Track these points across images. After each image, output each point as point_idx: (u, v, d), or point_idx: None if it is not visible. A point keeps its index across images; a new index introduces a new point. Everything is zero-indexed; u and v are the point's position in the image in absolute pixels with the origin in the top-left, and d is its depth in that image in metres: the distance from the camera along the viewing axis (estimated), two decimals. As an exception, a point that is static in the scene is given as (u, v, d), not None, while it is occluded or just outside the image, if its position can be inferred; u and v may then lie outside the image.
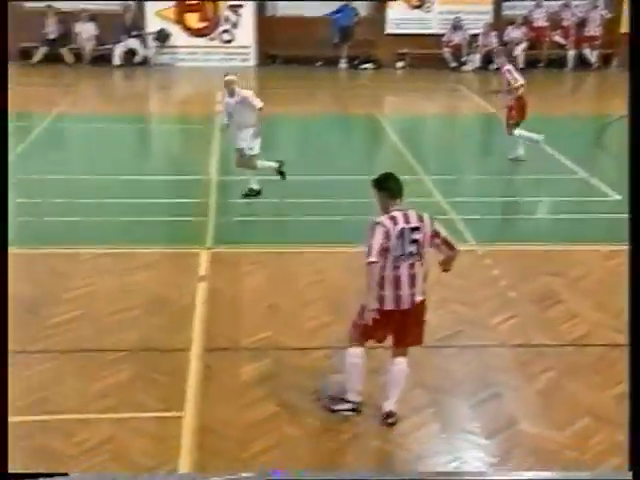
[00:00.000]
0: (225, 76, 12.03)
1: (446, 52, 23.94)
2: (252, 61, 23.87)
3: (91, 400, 6.89)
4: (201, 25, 23.76)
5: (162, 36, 23.26)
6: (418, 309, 6.45)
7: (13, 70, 21.75)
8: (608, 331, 8.19)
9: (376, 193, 6.42)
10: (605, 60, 24.24)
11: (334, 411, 6.71)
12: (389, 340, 6.64)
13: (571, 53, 24.09)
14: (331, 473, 5.12)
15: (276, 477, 5.23)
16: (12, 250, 9.77)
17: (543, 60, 24.11)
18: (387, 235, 6.18)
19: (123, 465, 6.05)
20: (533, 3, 24.27)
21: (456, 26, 23.81)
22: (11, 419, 6.53)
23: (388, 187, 6.37)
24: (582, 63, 24.17)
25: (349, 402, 6.69)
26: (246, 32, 23.71)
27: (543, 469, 5.72)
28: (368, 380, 6.88)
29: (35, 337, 7.78)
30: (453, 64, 23.96)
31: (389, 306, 6.33)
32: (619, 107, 14.51)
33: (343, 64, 23.94)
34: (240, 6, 23.64)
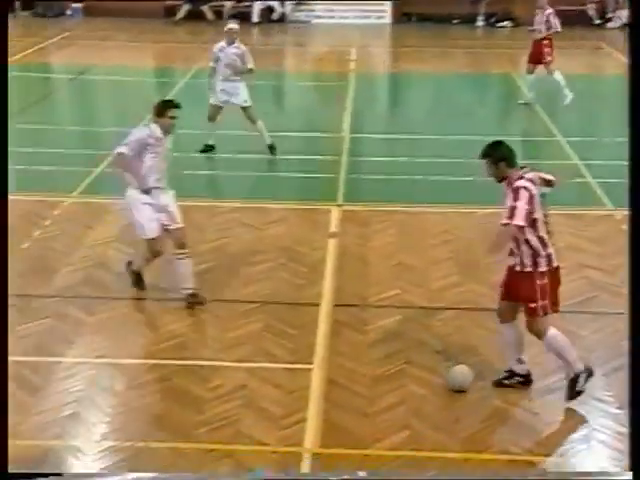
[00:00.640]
0: (228, 24, 12.20)
1: (590, 8, 22.99)
2: (387, 19, 23.69)
3: (225, 348, 7.17)
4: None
5: (299, -6, 23.41)
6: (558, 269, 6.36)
7: (157, 27, 22.57)
8: None
9: (491, 164, 6.24)
10: None
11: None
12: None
13: None
14: (331, 473, 5.12)
15: (277, 477, 5.29)
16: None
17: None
18: (531, 199, 6.07)
19: (254, 412, 6.29)
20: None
21: (601, -19, 22.88)
22: (150, 361, 6.94)
23: (506, 156, 6.22)
24: None
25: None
26: (382, -11, 23.54)
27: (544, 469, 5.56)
28: (487, 343, 6.86)
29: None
30: (597, 21, 22.99)
31: (544, 267, 6.22)
32: None
33: (480, 22, 23.40)
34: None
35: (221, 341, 7.27)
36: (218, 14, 23.60)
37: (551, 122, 13.61)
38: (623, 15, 22.89)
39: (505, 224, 6.08)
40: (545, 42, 14.80)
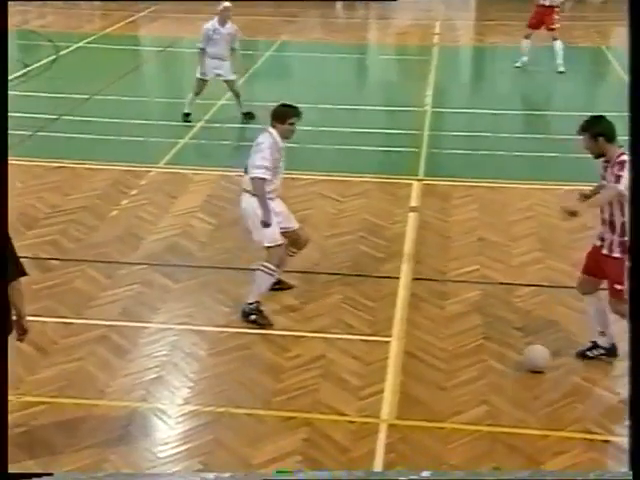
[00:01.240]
0: (222, 3, 12.18)
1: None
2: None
3: (305, 319, 7.27)
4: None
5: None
6: None
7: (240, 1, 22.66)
8: None
9: (589, 139, 6.18)
10: None
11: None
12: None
13: None
14: (331, 473, 5.11)
15: (277, 477, 5.30)
16: (236, 173, 10.40)
17: None
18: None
19: (332, 382, 6.38)
20: None
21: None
22: (231, 330, 7.09)
23: (605, 131, 6.15)
24: None
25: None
26: (468, -39, 23.11)
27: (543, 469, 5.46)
28: (567, 321, 6.78)
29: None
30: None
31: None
32: None
33: (566, -6, 22.79)
34: None
35: (301, 312, 7.38)
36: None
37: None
38: None
39: (611, 187, 6.08)
40: (556, 9, 15.25)
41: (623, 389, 6.29)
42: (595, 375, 6.51)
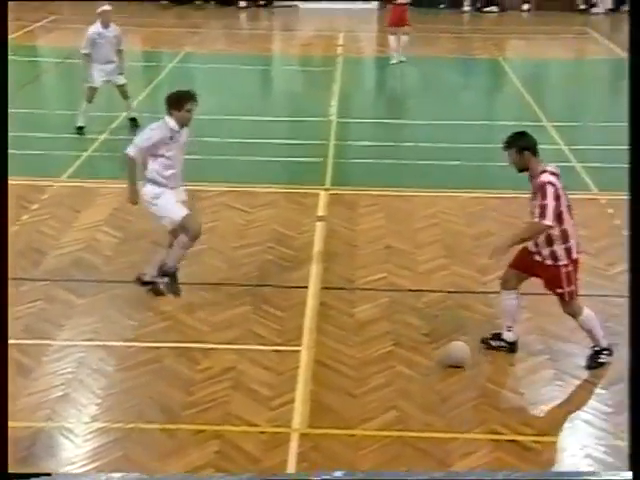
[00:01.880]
0: (102, 6, 12.27)
1: (575, -7, 23.11)
2: (375, 4, 23.65)
3: (214, 331, 7.22)
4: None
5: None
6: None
7: (144, 12, 22.44)
8: None
9: (515, 154, 6.36)
10: None
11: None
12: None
13: None
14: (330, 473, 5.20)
15: (274, 478, 5.35)
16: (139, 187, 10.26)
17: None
18: (557, 194, 6.23)
19: (243, 393, 6.36)
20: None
21: (586, -35, 23.01)
22: (139, 344, 6.98)
23: (530, 145, 6.35)
24: None
25: None
26: (370, -26, 23.47)
27: (575, 465, 5.67)
28: (473, 325, 6.93)
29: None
30: (582, 6, 23.05)
31: (564, 260, 6.42)
32: None
33: (467, 6, 23.41)
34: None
35: (210, 323, 7.33)
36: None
37: (537, 107, 13.68)
38: (607, 0, 23.00)
39: (536, 223, 6.25)
40: (405, 7, 16.73)
41: (527, 390, 6.49)
42: (500, 377, 6.68)
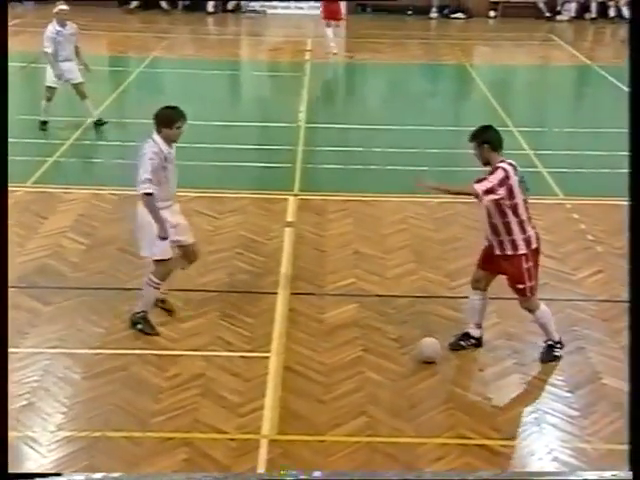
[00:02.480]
0: (58, 5, 12.33)
1: (540, 1, 23.30)
2: (343, 10, 23.67)
3: (182, 337, 7.17)
4: (292, -28, 23.68)
5: (253, -17, 23.32)
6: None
7: (111, 16, 22.30)
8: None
9: (476, 147, 6.50)
10: None
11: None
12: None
13: None
14: (331, 473, 5.21)
15: (271, 477, 5.35)
16: (108, 191, 10.18)
17: None
18: (506, 179, 6.32)
19: (211, 400, 6.31)
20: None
21: (551, -27, 23.24)
22: (106, 351, 6.91)
23: (491, 139, 6.46)
24: None
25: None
26: (337, -21, 23.51)
27: (542, 468, 5.73)
28: (441, 330, 6.95)
29: (130, 275, 8.09)
30: (547, 13, 23.32)
31: (523, 249, 6.53)
32: None
33: (434, 13, 23.57)
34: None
35: (178, 330, 7.27)
36: (172, 3, 23.43)
37: (504, 112, 13.79)
38: (572, 8, 23.29)
39: (470, 185, 6.39)
40: (337, 2, 18.16)
41: (494, 394, 6.52)
42: (468, 382, 6.71)
